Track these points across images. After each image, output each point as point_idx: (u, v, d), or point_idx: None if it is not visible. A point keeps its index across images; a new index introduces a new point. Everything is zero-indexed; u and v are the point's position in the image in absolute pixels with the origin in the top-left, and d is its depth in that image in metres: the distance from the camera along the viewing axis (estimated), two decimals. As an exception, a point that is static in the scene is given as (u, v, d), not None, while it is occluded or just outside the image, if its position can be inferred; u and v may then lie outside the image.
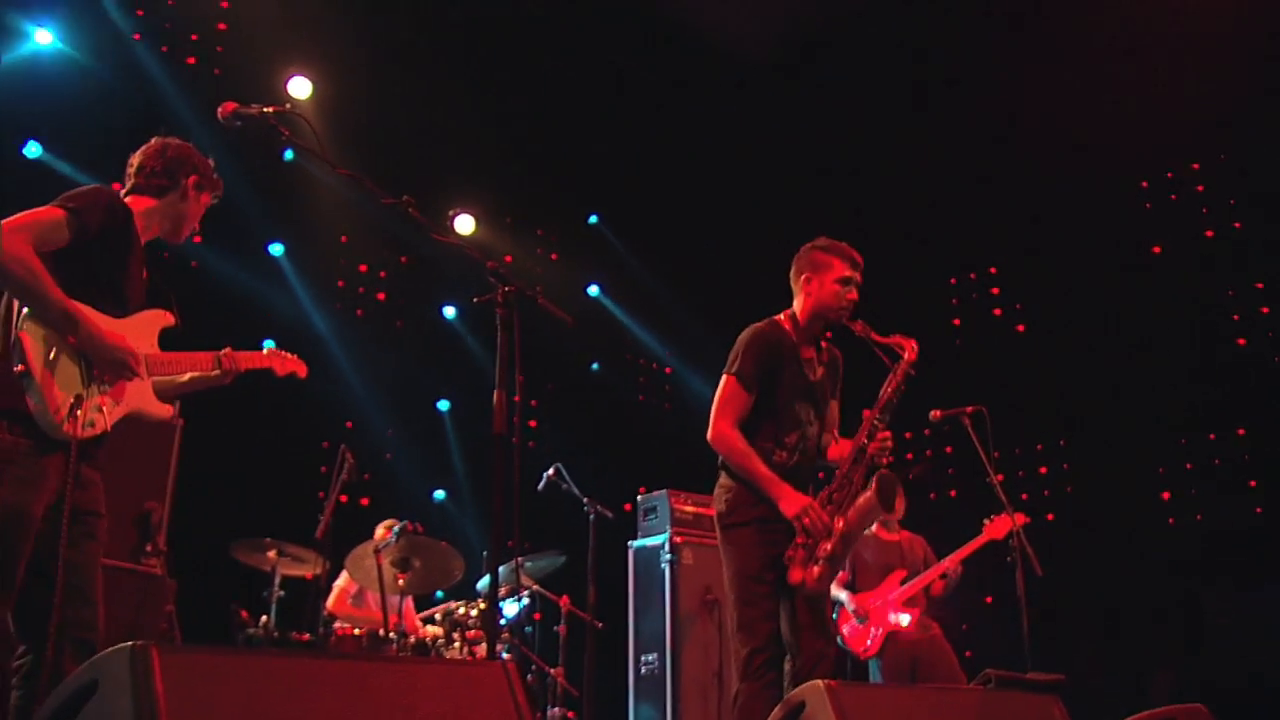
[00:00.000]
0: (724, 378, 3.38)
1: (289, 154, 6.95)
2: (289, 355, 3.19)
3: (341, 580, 5.58)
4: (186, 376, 2.96)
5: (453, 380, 8.20)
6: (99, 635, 2.51)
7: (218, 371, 2.98)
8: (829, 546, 3.20)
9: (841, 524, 3.23)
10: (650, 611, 5.28)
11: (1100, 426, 7.56)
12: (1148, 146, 7.25)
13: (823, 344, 3.56)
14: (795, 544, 3.25)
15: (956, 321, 8.63)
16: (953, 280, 8.68)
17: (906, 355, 3.37)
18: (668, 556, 5.37)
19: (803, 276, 3.55)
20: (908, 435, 7.57)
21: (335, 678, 1.81)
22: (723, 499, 3.36)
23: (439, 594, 6.07)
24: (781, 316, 3.53)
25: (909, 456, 7.62)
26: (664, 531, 5.54)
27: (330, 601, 5.42)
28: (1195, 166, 7.46)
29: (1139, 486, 7.38)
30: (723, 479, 3.40)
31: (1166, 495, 7.41)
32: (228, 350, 3.00)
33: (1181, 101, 6.81)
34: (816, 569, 3.19)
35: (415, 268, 7.86)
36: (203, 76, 6.65)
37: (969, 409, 4.27)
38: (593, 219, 8.94)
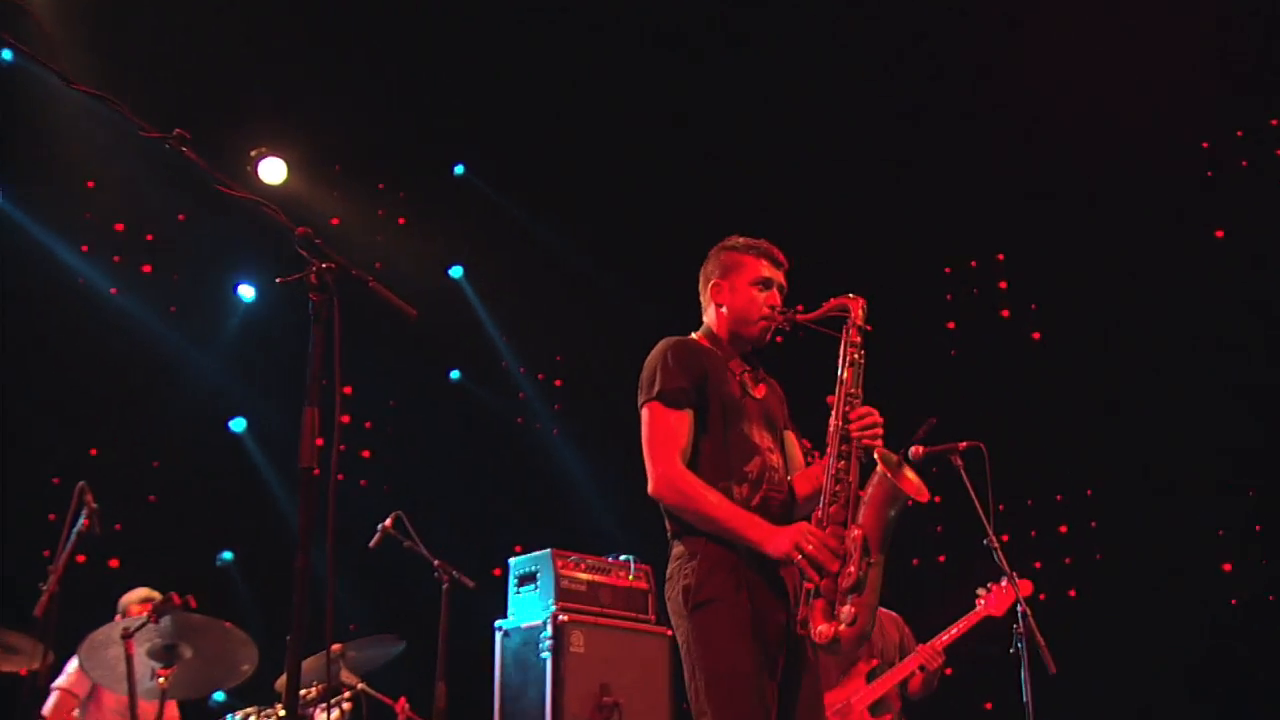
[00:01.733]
0: (644, 410, 3.52)
1: (6, 54, 7.04)
2: None
3: (66, 678, 5.52)
4: None
5: (253, 390, 8.35)
6: None
7: None
8: (853, 571, 3.30)
9: (858, 533, 3.33)
10: (524, 718, 5.39)
11: (1142, 471, 7.96)
12: (1210, 91, 7.83)
13: (759, 371, 3.77)
14: (804, 591, 3.37)
15: (951, 325, 8.97)
16: (947, 270, 9.01)
17: (852, 313, 3.55)
18: (549, 642, 5.47)
19: (710, 283, 3.77)
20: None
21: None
22: (686, 572, 3.45)
23: (218, 696, 6.02)
24: (693, 336, 3.75)
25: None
26: (545, 607, 5.67)
27: (49, 709, 5.37)
28: (1275, 123, 8.05)
29: (1192, 554, 7.78)
30: (677, 546, 3.51)
31: (1228, 567, 7.86)
32: None
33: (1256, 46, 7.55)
34: (847, 610, 3.28)
35: (199, 231, 7.96)
36: None
37: (961, 445, 4.45)
38: (459, 170, 9.13)
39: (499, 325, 9.36)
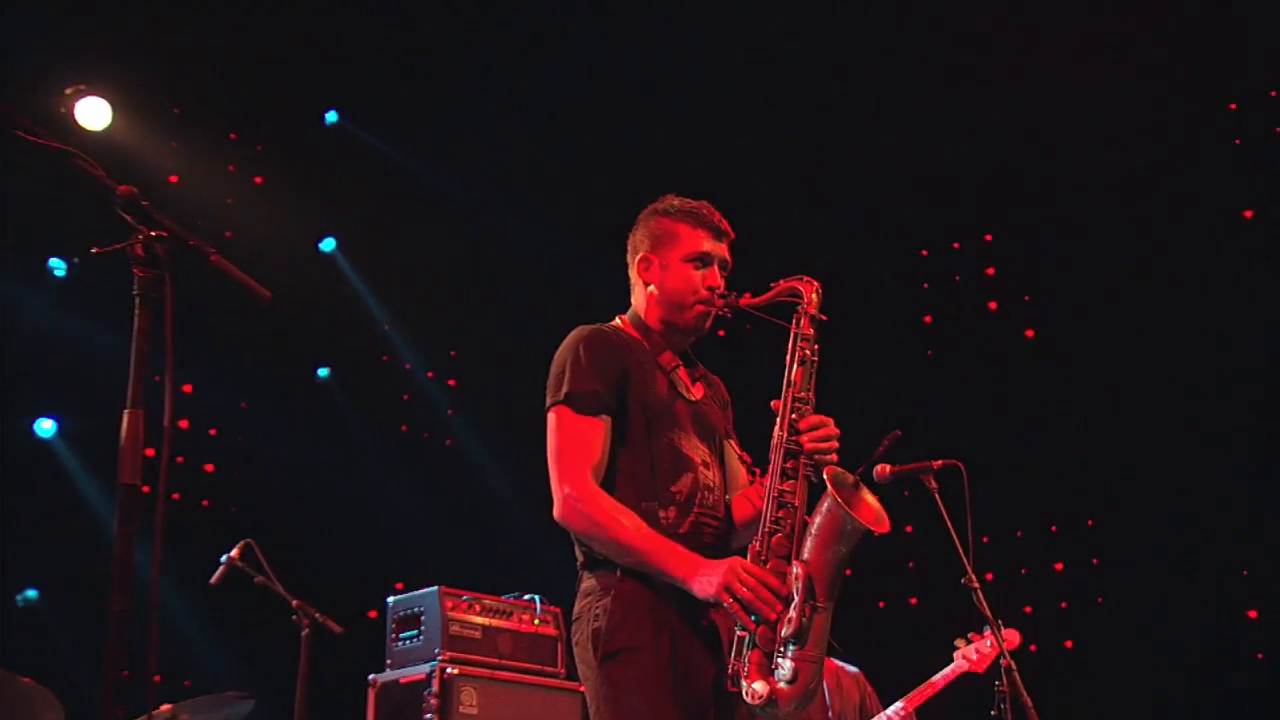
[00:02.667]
0: (550, 415, 3.56)
1: None
2: None
3: None
4: None
5: (63, 387, 8.24)
6: None
7: None
8: (794, 618, 3.30)
9: (802, 570, 3.33)
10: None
11: (1154, 498, 8.08)
12: (1241, 42, 7.95)
13: (698, 367, 3.84)
14: (737, 640, 3.37)
15: (928, 319, 9.12)
16: (924, 252, 9.16)
17: (804, 299, 3.61)
18: (434, 700, 5.46)
19: (638, 257, 3.81)
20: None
21: None
22: (597, 612, 3.48)
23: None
24: (616, 322, 3.80)
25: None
26: (431, 657, 5.65)
27: None
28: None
29: (1212, 598, 7.88)
30: (587, 580, 3.55)
31: (1254, 614, 8.00)
32: None
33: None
34: (787, 665, 3.29)
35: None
36: None
37: (936, 463, 4.53)
38: (331, 117, 9.11)
39: (381, 311, 9.41)
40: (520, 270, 9.25)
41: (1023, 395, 8.56)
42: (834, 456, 3.47)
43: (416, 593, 5.90)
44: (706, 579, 3.35)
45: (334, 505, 8.83)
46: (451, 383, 9.55)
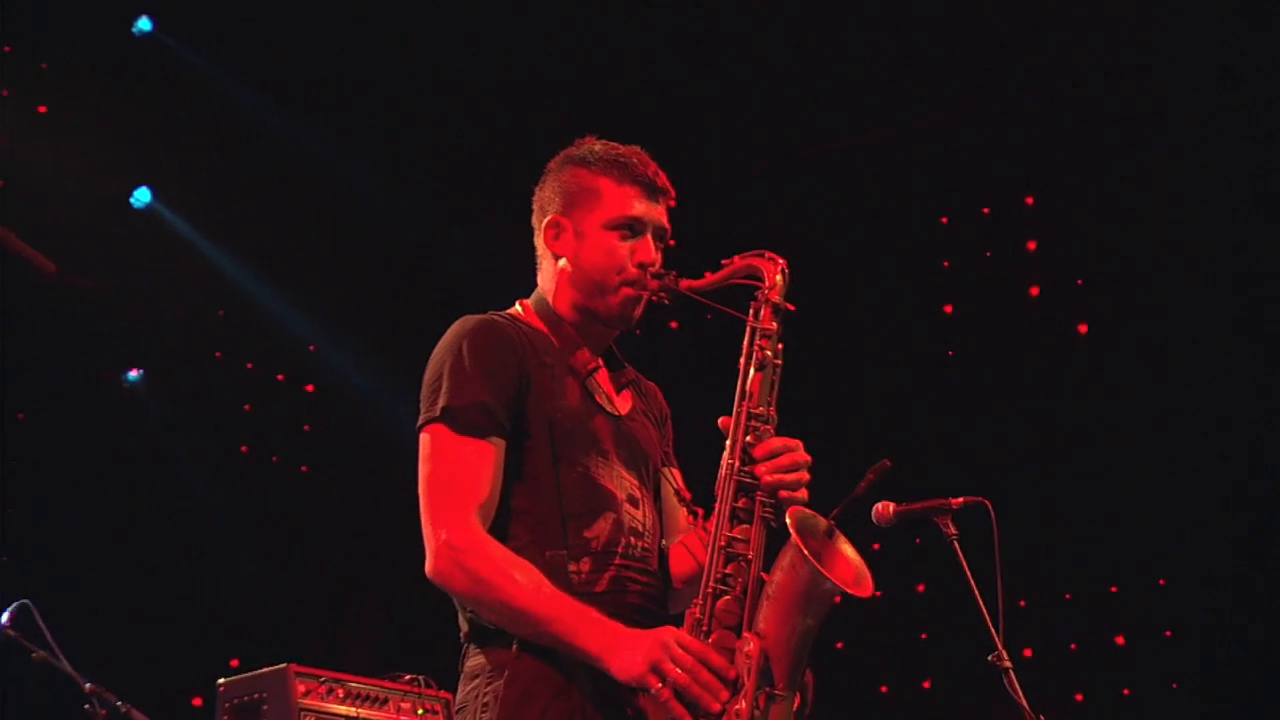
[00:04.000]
0: (423, 434, 3.61)
1: None
2: None
3: None
4: None
5: None
6: None
7: None
8: (744, 710, 3.32)
9: (755, 646, 3.36)
10: None
11: (1251, 550, 8.24)
12: None
13: (625, 370, 3.92)
14: None
15: (948, 308, 9.19)
16: (943, 219, 9.23)
17: (765, 281, 3.66)
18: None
19: (546, 221, 3.86)
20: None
21: None
22: (486, 699, 3.53)
23: None
24: (516, 310, 3.86)
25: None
26: (274, 760, 5.65)
27: None
28: None
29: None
30: (474, 658, 3.59)
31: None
32: None
33: None
34: None
35: None
36: None
37: (955, 501, 4.61)
38: (143, 25, 9.06)
39: (214, 290, 9.43)
40: (401, 239, 9.39)
41: (1072, 410, 8.64)
42: (803, 493, 3.49)
43: (257, 672, 5.88)
44: (630, 655, 3.35)
45: (146, 553, 8.82)
46: (309, 388, 9.61)
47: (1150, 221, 8.57)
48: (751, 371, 3.57)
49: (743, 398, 3.54)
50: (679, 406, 3.96)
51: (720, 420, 3.52)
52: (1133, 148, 8.57)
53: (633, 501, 3.67)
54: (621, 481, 3.67)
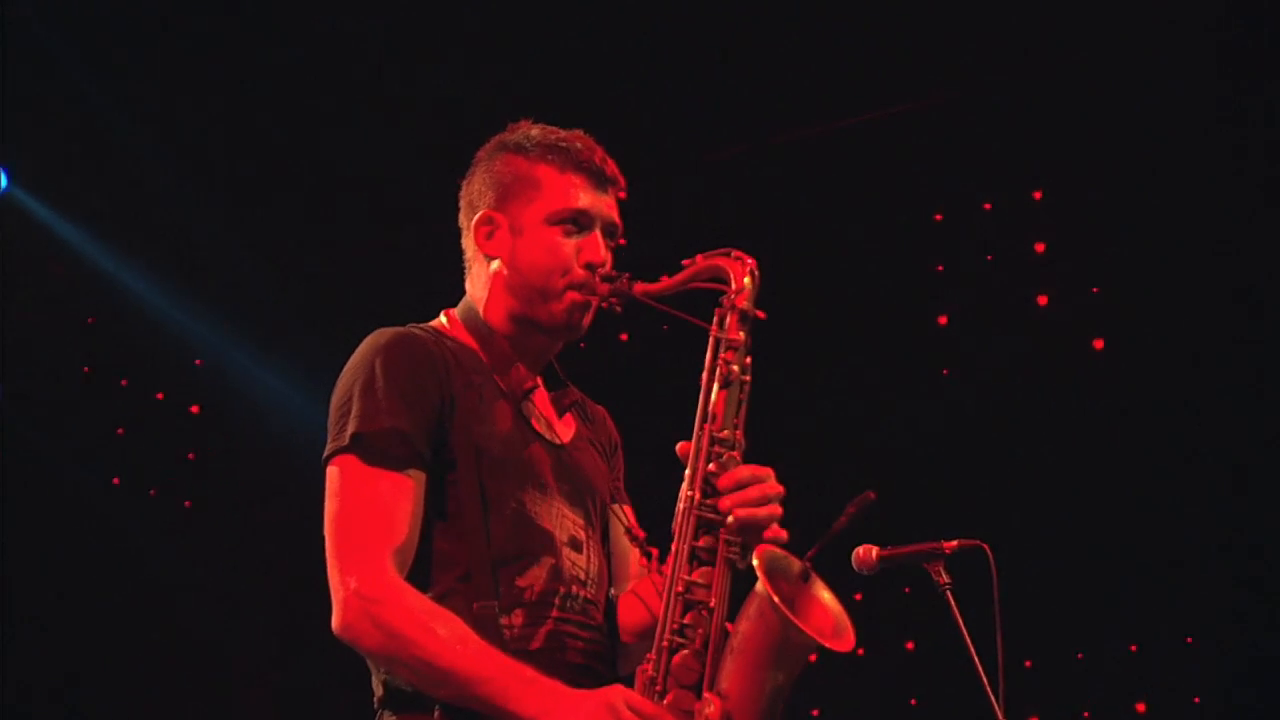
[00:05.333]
0: (330, 466, 3.55)
1: None
2: None
3: None
4: None
5: None
6: None
7: None
8: None
9: (717, 708, 3.34)
10: None
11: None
12: None
13: (568, 389, 3.92)
14: None
15: (943, 320, 8.70)
16: (937, 216, 8.84)
17: (732, 286, 3.60)
18: None
19: (477, 217, 3.81)
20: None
21: None
22: None
23: None
24: (440, 321, 3.84)
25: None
26: None
27: None
28: None
29: None
30: None
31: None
32: None
33: None
34: None
35: None
36: None
37: (949, 544, 4.57)
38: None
39: (87, 292, 9.19)
40: (279, 224, 9.17)
41: (1086, 438, 8.20)
42: (777, 532, 3.42)
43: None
44: (564, 714, 3.34)
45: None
46: (195, 409, 9.40)
47: (1182, 220, 8.17)
48: (715, 389, 3.54)
49: (705, 420, 3.51)
50: (631, 432, 3.97)
51: (679, 446, 3.49)
52: (1162, 131, 8.10)
53: (574, 545, 3.64)
54: (562, 521, 3.64)
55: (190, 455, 9.38)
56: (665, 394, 4.15)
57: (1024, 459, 8.22)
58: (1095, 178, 8.39)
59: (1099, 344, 8.42)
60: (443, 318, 3.80)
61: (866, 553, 4.56)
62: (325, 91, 8.88)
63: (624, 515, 3.84)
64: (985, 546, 4.51)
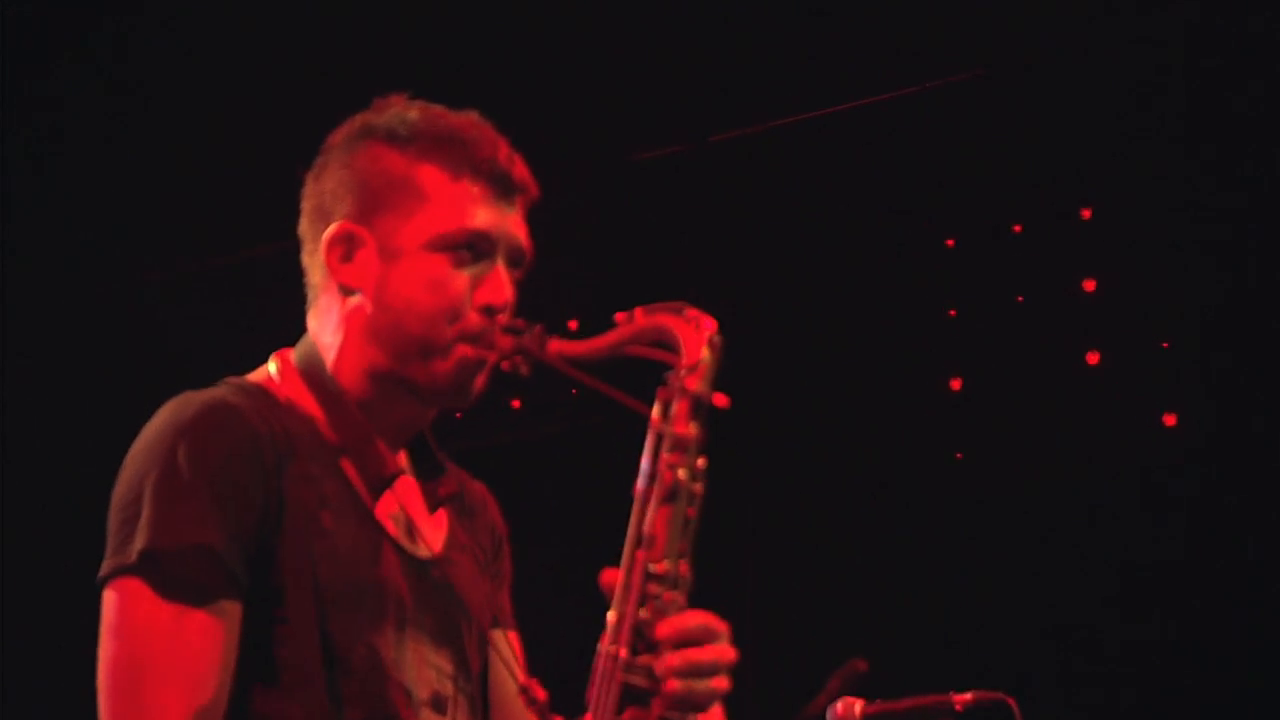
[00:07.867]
0: (108, 592, 3.02)
1: None
2: None
3: None
4: None
5: None
6: None
7: None
8: None
9: None
10: None
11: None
12: None
13: (445, 475, 3.43)
14: None
15: (956, 384, 8.15)
16: (949, 242, 8.07)
17: (682, 357, 3.11)
18: None
19: (331, 234, 3.22)
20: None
21: None
22: None
23: None
24: (268, 373, 3.32)
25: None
26: None
27: None
28: None
29: None
30: None
31: None
32: None
33: None
34: None
35: None
36: None
37: (961, 698, 4.58)
38: None
39: None
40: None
41: (1146, 550, 7.28)
42: (713, 696, 2.95)
43: None
44: None
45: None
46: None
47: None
48: (655, 506, 2.98)
49: (637, 545, 2.96)
50: (526, 535, 3.62)
51: (603, 576, 2.96)
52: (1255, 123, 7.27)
53: (437, 704, 3.18)
54: (422, 671, 3.16)
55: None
56: (581, 495, 3.87)
57: (1060, 581, 7.45)
58: (1163, 190, 7.36)
59: (1170, 419, 7.52)
60: (271, 366, 3.20)
61: (847, 709, 4.40)
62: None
63: (509, 650, 3.35)
64: (1010, 700, 4.35)
